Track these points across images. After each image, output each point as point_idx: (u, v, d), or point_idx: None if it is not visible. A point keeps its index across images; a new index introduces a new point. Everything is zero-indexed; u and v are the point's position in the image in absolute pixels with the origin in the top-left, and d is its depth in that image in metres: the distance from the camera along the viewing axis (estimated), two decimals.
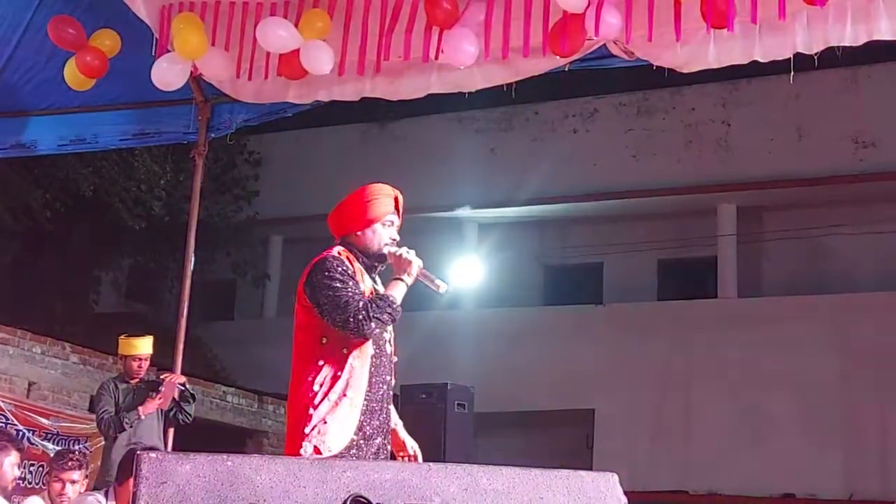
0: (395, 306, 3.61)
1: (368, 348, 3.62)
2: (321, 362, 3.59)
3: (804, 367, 12.78)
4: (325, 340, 3.61)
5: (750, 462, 12.73)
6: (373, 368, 3.62)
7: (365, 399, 3.58)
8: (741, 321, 13.37)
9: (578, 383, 13.68)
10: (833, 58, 4.89)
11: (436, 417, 7.36)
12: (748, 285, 14.23)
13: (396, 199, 3.79)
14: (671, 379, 13.54)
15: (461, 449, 7.30)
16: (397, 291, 3.65)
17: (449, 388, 7.54)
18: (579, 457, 13.10)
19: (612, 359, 13.62)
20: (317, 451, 3.49)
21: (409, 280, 3.68)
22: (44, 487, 6.71)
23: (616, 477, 2.14)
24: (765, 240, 14.48)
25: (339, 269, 3.60)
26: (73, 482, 5.32)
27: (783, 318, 13.16)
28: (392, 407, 3.82)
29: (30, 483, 8.56)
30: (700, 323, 13.65)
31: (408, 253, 3.70)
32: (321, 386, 3.56)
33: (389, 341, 3.74)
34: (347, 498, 1.85)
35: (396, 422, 3.84)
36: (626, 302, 14.54)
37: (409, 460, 3.80)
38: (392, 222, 3.76)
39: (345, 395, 3.55)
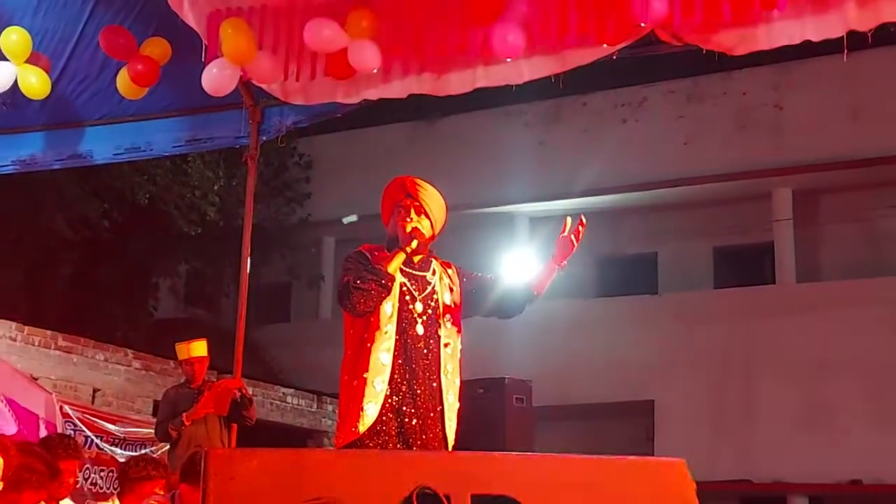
0: (378, 274, 3.66)
1: (389, 331, 3.67)
2: (349, 351, 3.74)
3: (867, 351, 12.56)
4: (351, 331, 3.75)
5: (814, 449, 12.54)
6: (397, 351, 3.66)
7: (389, 382, 3.62)
8: (801, 307, 13.19)
9: (636, 374, 13.58)
10: (886, 36, 4.79)
11: (495, 412, 7.26)
12: (807, 270, 14.01)
13: (405, 184, 3.90)
14: (731, 367, 13.39)
15: (522, 443, 7.22)
16: (391, 262, 3.74)
17: (507, 382, 7.45)
18: (640, 448, 12.99)
19: (670, 349, 13.50)
20: (345, 435, 3.60)
21: (406, 247, 3.77)
22: (113, 492, 6.82)
23: (684, 462, 2.12)
24: (822, 223, 14.24)
25: (354, 257, 3.79)
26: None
27: (843, 302, 12.94)
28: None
29: (101, 488, 8.71)
30: (758, 310, 13.47)
31: (409, 224, 3.81)
32: (348, 374, 3.69)
33: (423, 323, 3.73)
34: (415, 489, 1.85)
35: None
36: (681, 291, 14.40)
37: None
38: (406, 208, 3.85)
39: (363, 378, 3.63)
